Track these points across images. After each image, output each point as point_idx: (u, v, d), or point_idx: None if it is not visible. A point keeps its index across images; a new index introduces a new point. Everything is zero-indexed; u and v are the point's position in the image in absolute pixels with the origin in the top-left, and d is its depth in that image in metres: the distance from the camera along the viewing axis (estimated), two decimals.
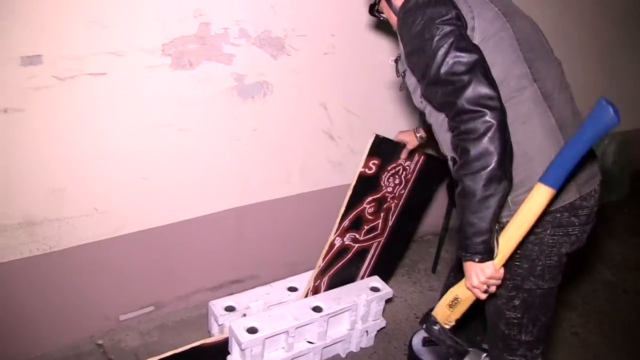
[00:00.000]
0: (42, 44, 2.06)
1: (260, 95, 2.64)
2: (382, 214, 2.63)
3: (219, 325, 2.45)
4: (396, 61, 1.89)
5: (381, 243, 2.72)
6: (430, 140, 2.28)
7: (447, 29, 1.49)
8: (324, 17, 2.68)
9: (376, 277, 2.75)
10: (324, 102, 2.86)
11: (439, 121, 1.71)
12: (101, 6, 2.13)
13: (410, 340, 2.65)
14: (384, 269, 2.81)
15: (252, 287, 2.59)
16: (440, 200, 3.41)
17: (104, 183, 2.39)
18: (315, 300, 2.52)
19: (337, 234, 2.53)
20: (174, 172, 2.55)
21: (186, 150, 2.55)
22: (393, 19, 1.77)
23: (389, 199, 2.60)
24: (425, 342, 2.59)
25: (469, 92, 1.44)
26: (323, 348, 2.52)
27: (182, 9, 2.31)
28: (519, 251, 1.68)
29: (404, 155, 2.46)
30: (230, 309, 2.46)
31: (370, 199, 2.52)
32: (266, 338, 2.31)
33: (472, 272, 1.60)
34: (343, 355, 2.66)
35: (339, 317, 2.57)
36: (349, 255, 2.65)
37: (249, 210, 2.63)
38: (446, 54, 1.47)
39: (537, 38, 1.72)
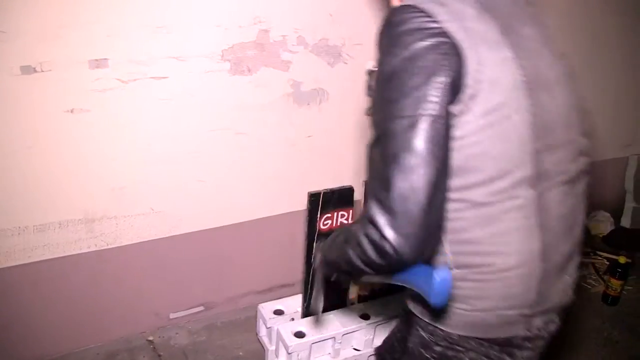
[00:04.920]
0: (109, 48, 2.14)
1: (315, 102, 2.66)
2: None
3: (267, 328, 2.47)
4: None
5: None
6: None
7: (419, 94, 1.02)
8: None
9: None
10: None
11: None
12: (167, 13, 2.20)
13: None
14: None
15: (301, 292, 2.61)
16: None
17: (161, 184, 2.46)
18: (363, 308, 2.52)
19: None
20: (230, 175, 2.60)
21: (242, 154, 2.59)
22: None
23: None
24: None
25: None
26: (369, 356, 2.51)
27: (243, 16, 2.36)
28: None
29: None
30: (279, 312, 2.48)
31: None
32: (313, 343, 2.32)
33: None
34: None
35: (386, 326, 2.56)
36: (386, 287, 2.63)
37: (302, 215, 2.64)
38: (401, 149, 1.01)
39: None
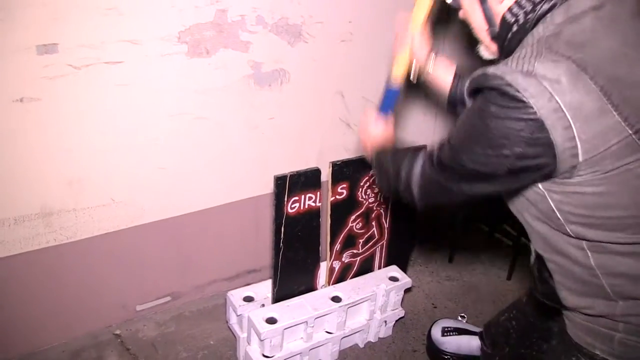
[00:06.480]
0: (57, 33, 2.03)
1: (277, 83, 2.60)
2: (373, 223, 2.61)
3: (237, 315, 2.43)
4: None
5: (384, 245, 2.71)
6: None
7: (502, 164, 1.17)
8: (341, 4, 2.63)
9: (395, 267, 2.72)
10: (341, 90, 2.82)
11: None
12: None
13: (429, 330, 2.62)
14: (398, 262, 2.78)
15: (269, 277, 2.57)
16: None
17: (121, 173, 2.37)
18: (334, 290, 2.50)
19: (332, 259, 2.53)
20: (191, 161, 2.53)
21: (203, 139, 2.52)
22: (479, 26, 1.37)
23: (374, 208, 2.56)
24: (445, 332, 2.57)
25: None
26: (342, 338, 2.50)
27: None
28: None
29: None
30: (248, 299, 2.44)
31: (353, 217, 2.50)
32: (285, 328, 2.29)
33: None
34: (361, 346, 2.64)
35: (357, 307, 2.55)
36: (355, 268, 2.66)
37: (267, 199, 2.61)
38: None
39: None
